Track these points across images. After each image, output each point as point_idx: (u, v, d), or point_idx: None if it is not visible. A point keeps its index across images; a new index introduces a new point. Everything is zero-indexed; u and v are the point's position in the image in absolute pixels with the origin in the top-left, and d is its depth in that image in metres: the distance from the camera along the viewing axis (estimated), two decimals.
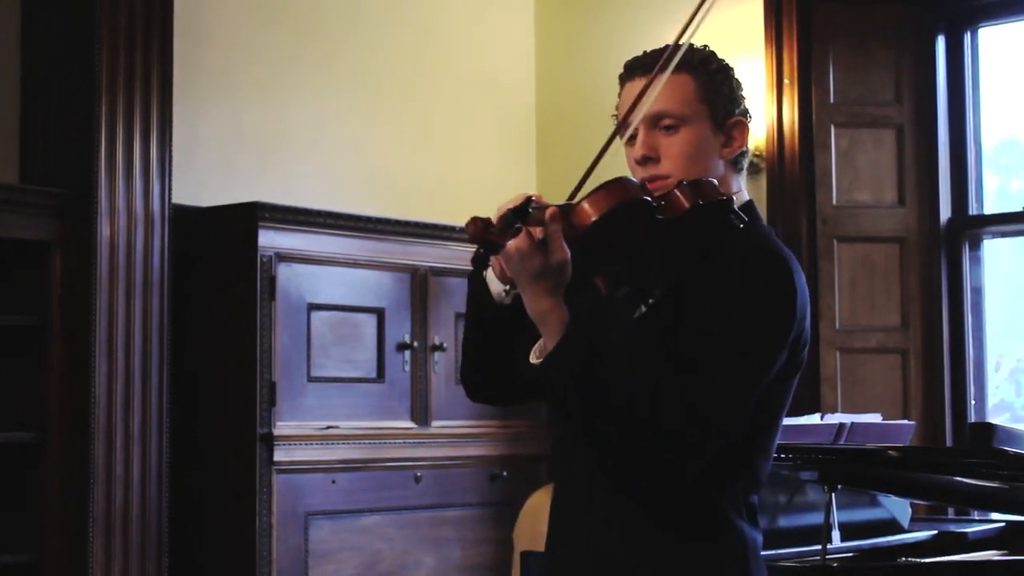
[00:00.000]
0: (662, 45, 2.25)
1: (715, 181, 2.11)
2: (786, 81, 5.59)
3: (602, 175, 2.04)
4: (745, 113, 2.24)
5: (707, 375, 1.96)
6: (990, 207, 5.67)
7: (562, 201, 1.98)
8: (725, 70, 2.24)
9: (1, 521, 4.45)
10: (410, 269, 5.15)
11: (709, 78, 2.20)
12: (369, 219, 5.04)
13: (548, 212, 1.92)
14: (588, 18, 6.25)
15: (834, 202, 5.58)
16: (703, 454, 1.98)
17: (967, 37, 5.69)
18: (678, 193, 2.04)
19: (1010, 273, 5.76)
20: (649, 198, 1.99)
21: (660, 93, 2.14)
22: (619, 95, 2.25)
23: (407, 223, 5.16)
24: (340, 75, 5.68)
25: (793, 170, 5.57)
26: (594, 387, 1.94)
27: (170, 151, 4.70)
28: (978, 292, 5.60)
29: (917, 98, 5.61)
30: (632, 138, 2.20)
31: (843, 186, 5.59)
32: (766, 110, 5.64)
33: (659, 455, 1.96)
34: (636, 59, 2.23)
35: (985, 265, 5.61)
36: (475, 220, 1.88)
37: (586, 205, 1.94)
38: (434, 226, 5.24)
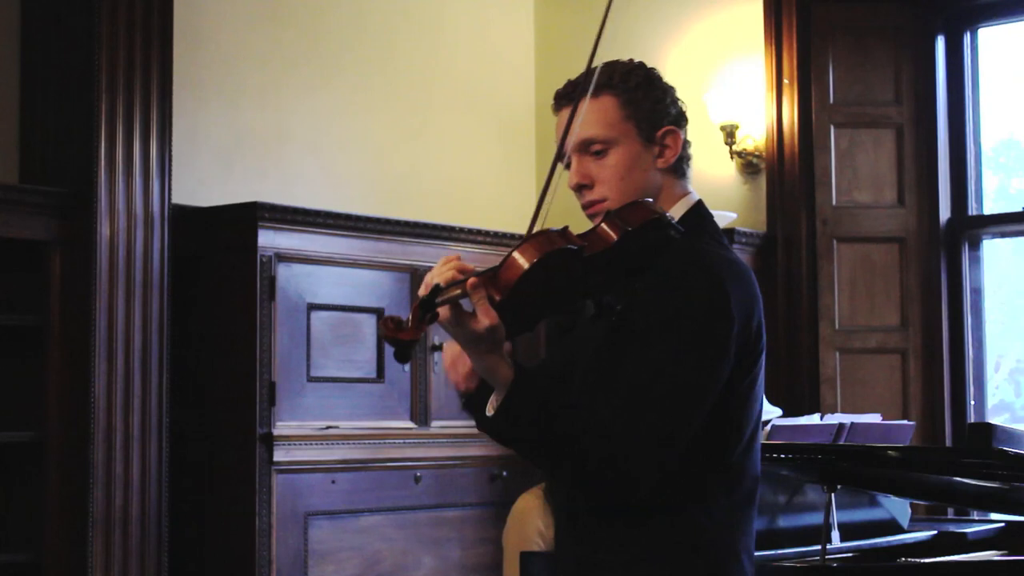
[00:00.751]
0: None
1: (647, 200, 2.11)
2: (786, 81, 5.60)
3: (561, 199, 2.11)
4: (678, 119, 2.24)
5: (643, 399, 2.00)
6: (989, 207, 5.67)
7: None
8: (648, 82, 2.23)
9: (1, 521, 4.45)
10: (409, 269, 5.15)
11: (630, 95, 2.20)
12: (368, 219, 5.04)
13: (469, 283, 1.95)
14: (588, 18, 6.25)
15: (834, 202, 5.58)
16: (651, 474, 2.01)
17: (967, 37, 5.69)
18: (605, 227, 2.06)
19: (1009, 273, 5.76)
20: (572, 245, 2.00)
21: (584, 119, 2.17)
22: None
23: (407, 223, 5.16)
24: (340, 75, 5.68)
25: (793, 170, 5.57)
26: (542, 431, 2.00)
27: (170, 151, 4.70)
28: (977, 292, 5.60)
29: (917, 98, 5.61)
30: (570, 166, 2.23)
31: (843, 186, 5.59)
32: (766, 110, 5.65)
33: (610, 480, 2.00)
34: (560, 89, 2.26)
35: (984, 265, 5.61)
36: (385, 322, 1.91)
37: (509, 265, 1.98)
38: (434, 226, 5.24)
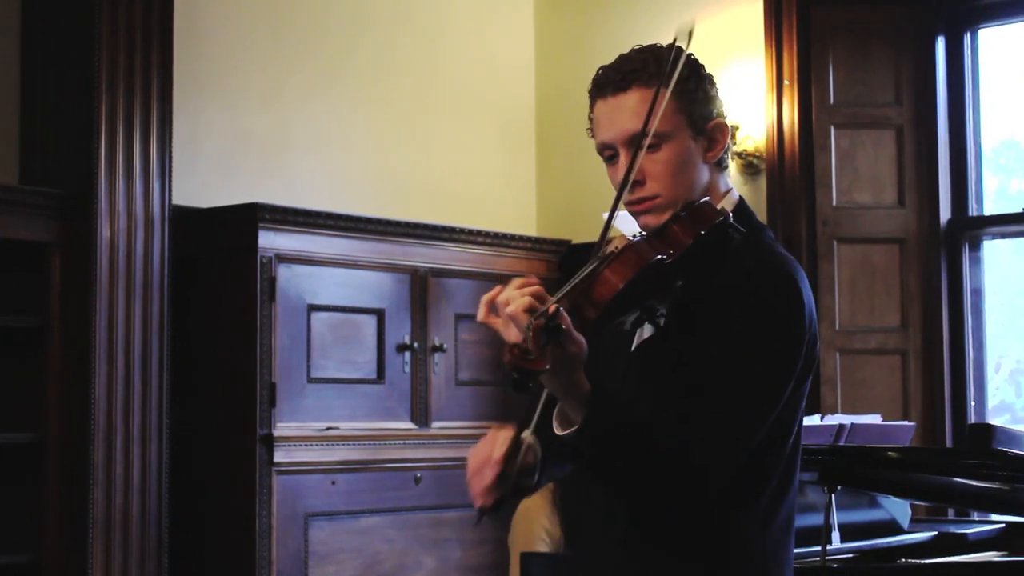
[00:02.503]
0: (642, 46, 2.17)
1: (707, 200, 2.06)
2: (786, 82, 5.59)
3: (606, 193, 2.04)
4: (722, 110, 2.15)
5: (725, 401, 1.94)
6: (990, 208, 5.67)
7: (575, 279, 1.94)
8: (696, 71, 2.12)
9: (1, 521, 4.45)
10: (410, 270, 5.15)
11: (682, 86, 2.08)
12: (369, 220, 5.05)
13: (551, 310, 1.86)
14: (588, 18, 6.25)
15: (834, 203, 5.58)
16: (724, 477, 1.96)
17: (967, 38, 5.69)
18: (678, 229, 2.00)
19: (1010, 274, 5.75)
20: (660, 255, 1.96)
21: (635, 112, 2.06)
22: (591, 111, 2.16)
23: (407, 224, 5.16)
24: (340, 76, 5.68)
25: (793, 171, 5.57)
26: (625, 446, 1.93)
27: (170, 152, 4.70)
28: (978, 293, 5.59)
29: (917, 99, 5.61)
30: (612, 158, 2.13)
31: (843, 187, 5.59)
32: (766, 111, 5.64)
33: (683, 475, 1.94)
34: (604, 75, 2.13)
35: (985, 266, 5.61)
36: (511, 349, 1.81)
37: (603, 280, 1.92)
38: (434, 227, 5.24)
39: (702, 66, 2.15)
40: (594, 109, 2.15)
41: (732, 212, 2.10)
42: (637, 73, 2.09)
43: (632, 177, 2.06)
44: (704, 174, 2.13)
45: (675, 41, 2.05)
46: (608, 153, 2.13)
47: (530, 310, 1.86)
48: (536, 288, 1.90)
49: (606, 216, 2.07)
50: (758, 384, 1.97)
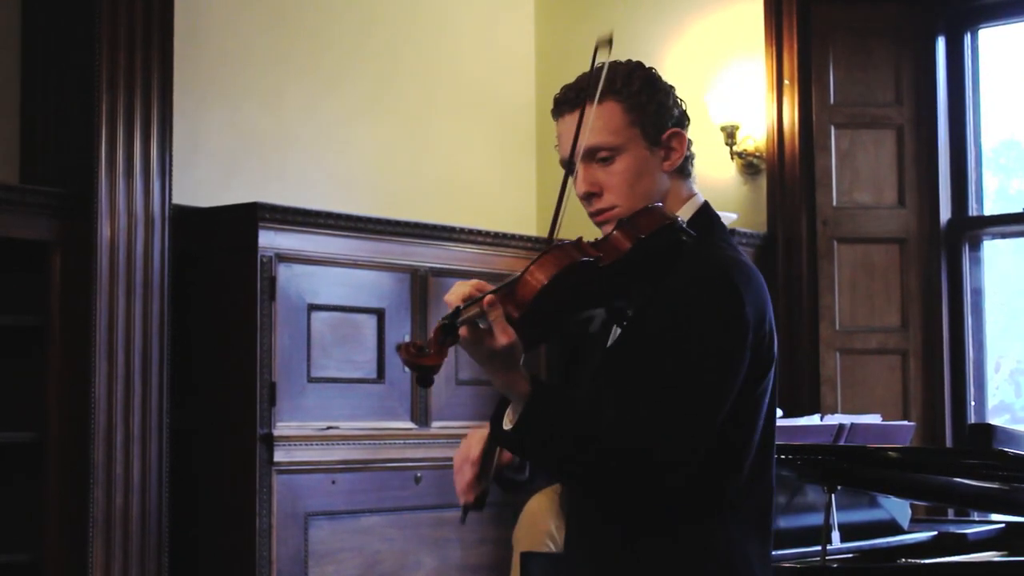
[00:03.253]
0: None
1: (657, 206, 2.11)
2: (786, 82, 5.60)
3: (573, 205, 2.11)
4: (681, 119, 2.22)
5: (667, 401, 1.99)
6: (990, 208, 5.67)
7: (508, 279, 2.02)
8: (650, 84, 2.20)
9: (1, 521, 4.45)
10: (410, 270, 5.15)
11: (635, 100, 2.17)
12: (369, 220, 5.04)
13: (485, 301, 1.94)
14: (588, 19, 6.25)
15: (834, 203, 5.58)
16: (678, 476, 2.00)
17: (967, 38, 5.69)
18: (618, 235, 2.05)
19: (1010, 274, 5.76)
20: (587, 257, 2.01)
21: (588, 126, 2.13)
22: (556, 130, 2.23)
23: (407, 224, 5.16)
24: (340, 76, 5.68)
25: (793, 171, 5.57)
26: (563, 442, 1.99)
27: (170, 151, 4.70)
28: (978, 293, 5.60)
29: (917, 99, 5.61)
30: (574, 173, 2.19)
31: (843, 187, 5.59)
32: (766, 111, 5.65)
33: (634, 477, 1.99)
34: (561, 94, 2.22)
35: (985, 266, 5.61)
36: (406, 347, 1.90)
37: (525, 281, 1.98)
38: (434, 227, 5.24)
39: (659, 79, 2.22)
40: (556, 127, 2.24)
41: (693, 217, 2.18)
42: (587, 90, 2.16)
43: (584, 189, 2.17)
44: (663, 182, 2.20)
45: (596, 51, 2.13)
46: (569, 169, 2.19)
47: (468, 301, 1.96)
48: (475, 283, 1.99)
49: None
50: (698, 388, 2.00)
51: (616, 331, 2.14)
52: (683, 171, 2.22)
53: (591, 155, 2.17)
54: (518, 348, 1.97)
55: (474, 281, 2.00)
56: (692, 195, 2.23)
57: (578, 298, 2.05)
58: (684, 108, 2.24)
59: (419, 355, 1.89)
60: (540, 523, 4.04)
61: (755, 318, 2.07)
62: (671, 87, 2.23)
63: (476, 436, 2.17)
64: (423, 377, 1.91)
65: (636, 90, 2.17)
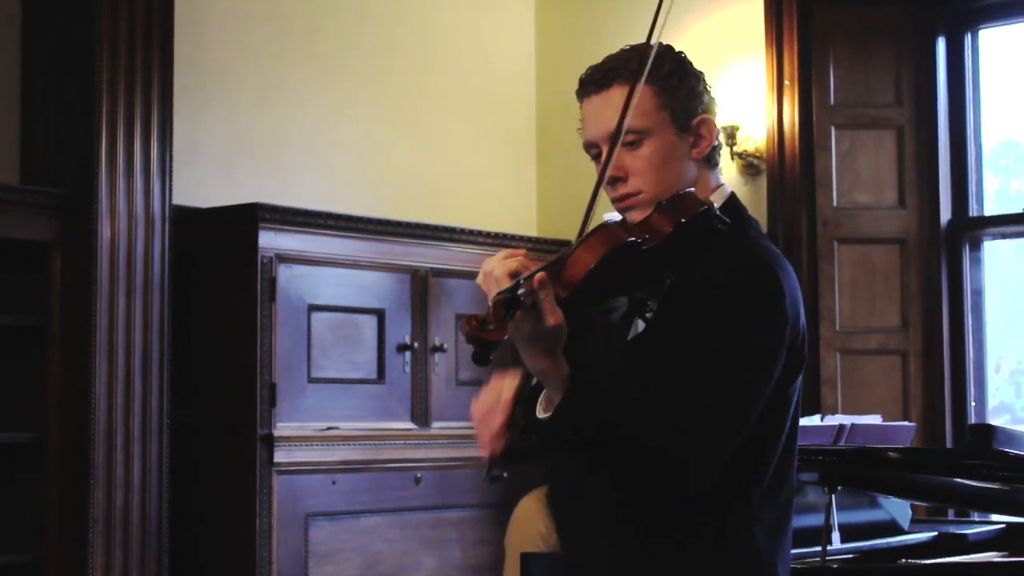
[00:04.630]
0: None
1: (692, 191, 2.06)
2: (786, 82, 5.59)
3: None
4: (710, 106, 2.16)
5: (706, 393, 1.93)
6: (990, 208, 5.67)
7: (553, 256, 1.95)
8: (681, 67, 2.14)
9: (1, 521, 4.45)
10: (410, 270, 5.15)
11: (665, 83, 2.10)
12: (369, 220, 5.05)
13: (536, 279, 1.86)
14: (588, 18, 6.25)
15: (834, 203, 5.58)
16: (709, 472, 1.95)
17: (967, 38, 5.69)
18: (659, 217, 2.00)
19: (1010, 275, 5.75)
20: (633, 238, 1.96)
21: (618, 109, 2.06)
22: (581, 112, 2.16)
23: (407, 224, 5.16)
24: (340, 76, 5.68)
25: (793, 171, 5.57)
26: (603, 430, 1.92)
27: (170, 152, 4.70)
28: (978, 293, 5.59)
29: (917, 99, 5.61)
30: (598, 156, 2.13)
31: (843, 187, 5.59)
32: (766, 111, 5.64)
33: (666, 477, 1.93)
34: (588, 74, 2.14)
35: (985, 266, 5.61)
36: (468, 320, 1.82)
37: (574, 260, 1.92)
38: (435, 227, 5.24)
39: (689, 63, 2.16)
40: (581, 109, 2.16)
41: (722, 206, 2.11)
42: (618, 71, 2.10)
43: (608, 173, 2.07)
44: (691, 170, 2.13)
45: (656, 17, 2.06)
46: (594, 151, 2.14)
47: (510, 277, 1.88)
48: (516, 261, 1.92)
49: (605, 216, 2.08)
50: (736, 377, 1.95)
51: (637, 321, 2.06)
52: (711, 160, 2.15)
53: (617, 138, 2.07)
54: (564, 330, 1.89)
55: (517, 254, 1.93)
56: (719, 185, 2.17)
57: (618, 280, 1.98)
58: (712, 95, 2.18)
59: (481, 329, 1.81)
60: (531, 524, 4.05)
61: (792, 313, 2.03)
62: (701, 73, 2.18)
63: (508, 380, 2.06)
64: (482, 353, 1.82)
65: (667, 72, 2.11)
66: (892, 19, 5.64)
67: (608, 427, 1.92)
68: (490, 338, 1.82)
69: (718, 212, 2.04)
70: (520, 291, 1.84)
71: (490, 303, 1.85)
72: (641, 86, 2.05)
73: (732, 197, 2.17)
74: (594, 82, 2.12)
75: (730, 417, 1.95)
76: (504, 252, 1.95)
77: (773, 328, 1.99)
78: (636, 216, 2.06)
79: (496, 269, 1.91)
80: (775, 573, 2.07)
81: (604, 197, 2.10)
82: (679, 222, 1.98)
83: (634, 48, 2.13)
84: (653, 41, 2.07)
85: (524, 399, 2.03)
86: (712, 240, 2.01)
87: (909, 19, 5.64)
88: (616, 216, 2.13)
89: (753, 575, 2.04)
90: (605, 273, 1.92)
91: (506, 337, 1.83)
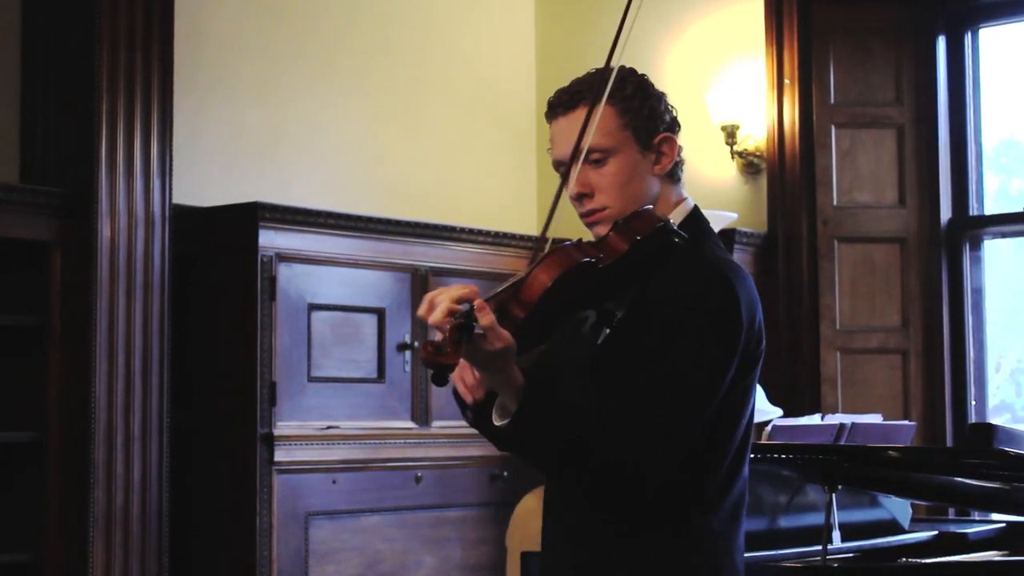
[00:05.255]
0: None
1: (649, 208, 2.15)
2: (786, 81, 5.59)
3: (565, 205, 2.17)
4: (672, 125, 2.26)
5: (660, 400, 2.03)
6: (990, 207, 5.67)
7: (509, 280, 2.04)
8: (643, 89, 2.24)
9: (1, 521, 4.45)
10: (410, 269, 5.15)
11: (628, 103, 2.21)
12: (370, 219, 5.04)
13: (476, 306, 1.97)
14: (588, 18, 6.25)
15: (835, 202, 5.58)
16: (662, 474, 2.04)
17: (968, 37, 5.69)
18: (615, 236, 2.10)
19: (1010, 273, 5.76)
20: (588, 258, 2.05)
21: (582, 127, 2.17)
22: (550, 132, 2.27)
23: (408, 223, 5.16)
24: (341, 75, 5.68)
25: (793, 170, 5.57)
26: (555, 438, 2.02)
27: (170, 151, 4.69)
28: (978, 292, 5.60)
29: (918, 98, 5.61)
30: (567, 175, 2.22)
31: (844, 186, 5.59)
32: (766, 110, 5.64)
33: (619, 481, 2.03)
34: (555, 97, 2.25)
35: (985, 265, 5.61)
36: (424, 345, 1.94)
37: (531, 281, 2.01)
38: (435, 226, 5.24)
39: (651, 85, 2.27)
40: (550, 130, 2.27)
41: (684, 220, 2.22)
42: (583, 93, 2.21)
43: (575, 190, 2.20)
44: (653, 186, 2.23)
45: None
46: (562, 170, 2.23)
47: (454, 310, 1.97)
48: (465, 291, 2.00)
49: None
50: (689, 388, 2.04)
51: (605, 331, 2.16)
52: (673, 175, 2.26)
53: (584, 156, 2.19)
54: (513, 349, 2.00)
55: (456, 291, 2.02)
56: (682, 199, 2.27)
57: (577, 298, 2.08)
58: (675, 115, 2.28)
59: (437, 354, 1.92)
60: (532, 523, 4.04)
61: (747, 318, 2.11)
62: (663, 93, 2.28)
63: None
64: (439, 375, 1.94)
65: (629, 94, 2.21)
66: (892, 18, 5.64)
67: (561, 435, 2.01)
68: (446, 362, 1.93)
69: (675, 227, 2.14)
70: (473, 321, 1.95)
71: (434, 331, 1.97)
72: (603, 107, 2.17)
73: (694, 211, 2.26)
74: (561, 104, 2.23)
75: (683, 422, 2.04)
76: (442, 289, 2.05)
77: (726, 334, 2.08)
78: (601, 231, 2.16)
79: (441, 298, 2.00)
80: (732, 561, 2.16)
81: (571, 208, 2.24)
82: (635, 240, 2.08)
83: (599, 71, 2.24)
84: (615, 63, 2.21)
85: (479, 406, 2.14)
86: (670, 254, 2.11)
87: (909, 18, 5.64)
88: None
89: (711, 561, 2.12)
90: (562, 292, 2.01)
91: (459, 359, 1.94)
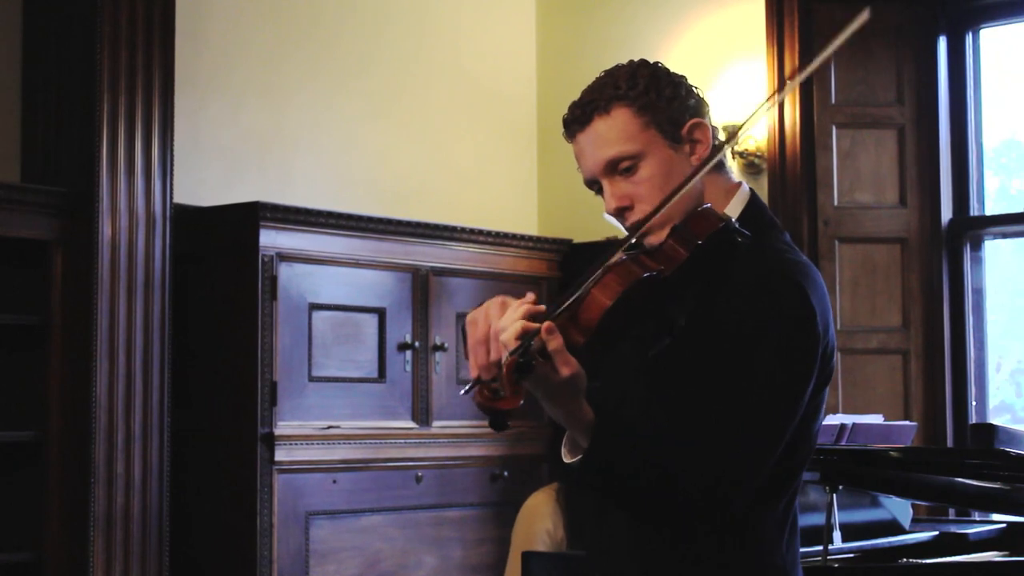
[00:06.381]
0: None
1: (708, 207, 1.98)
2: (788, 81, 5.59)
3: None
4: (699, 108, 2.08)
5: (739, 425, 1.90)
6: (991, 208, 5.67)
7: (564, 300, 1.87)
8: (655, 79, 2.06)
9: (1, 520, 4.45)
10: (411, 269, 5.15)
11: (643, 100, 2.04)
12: (370, 219, 5.04)
13: (545, 329, 1.79)
14: (590, 17, 6.25)
15: (835, 203, 5.58)
16: (747, 495, 1.94)
17: (968, 38, 5.68)
18: (673, 243, 1.94)
19: (1011, 274, 5.75)
20: (649, 272, 1.89)
21: (602, 138, 2.03)
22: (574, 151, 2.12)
23: (408, 223, 5.16)
24: (342, 75, 5.68)
25: (794, 171, 5.57)
26: (634, 475, 1.89)
27: (171, 150, 4.70)
28: (979, 293, 5.59)
29: (918, 98, 5.61)
30: (600, 191, 2.07)
31: (844, 187, 5.59)
32: (768, 110, 5.64)
33: (706, 505, 1.91)
34: (569, 114, 2.10)
35: (986, 266, 5.61)
36: (480, 391, 1.76)
37: (589, 303, 1.85)
38: (435, 226, 5.24)
39: (664, 72, 2.10)
40: (574, 149, 2.11)
41: (742, 211, 2.06)
42: (595, 103, 2.06)
43: (614, 204, 2.03)
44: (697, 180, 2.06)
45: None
46: (595, 188, 2.09)
47: (529, 329, 1.80)
48: (527, 308, 1.84)
49: (614, 224, 2.04)
50: (769, 405, 1.91)
51: (665, 340, 2.01)
52: (717, 162, 2.08)
53: (612, 168, 2.03)
54: (582, 378, 1.84)
55: (522, 307, 1.84)
56: (735, 186, 2.10)
57: (638, 314, 1.91)
58: (700, 95, 2.11)
59: (494, 399, 1.76)
60: (538, 521, 4.04)
61: (823, 328, 1.97)
62: (681, 77, 2.11)
63: (507, 314, 1.91)
64: (498, 421, 1.76)
65: (642, 90, 2.04)
66: (893, 18, 5.64)
67: (639, 471, 1.88)
68: (504, 407, 1.76)
69: (736, 225, 1.97)
70: (531, 351, 1.77)
71: (472, 348, 1.80)
72: (618, 111, 2.03)
73: (752, 200, 2.10)
74: (576, 120, 2.08)
75: (764, 448, 1.92)
76: (498, 305, 1.86)
77: (804, 352, 1.95)
78: (654, 240, 2.00)
79: (505, 337, 1.81)
80: (796, 570, 2.07)
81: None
82: (696, 245, 1.92)
83: (608, 74, 2.09)
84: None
85: (550, 441, 2.00)
86: (734, 254, 1.95)
87: (910, 18, 5.63)
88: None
89: (783, 573, 2.03)
90: (622, 311, 1.86)
91: (521, 402, 1.76)
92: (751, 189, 2.13)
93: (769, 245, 2.02)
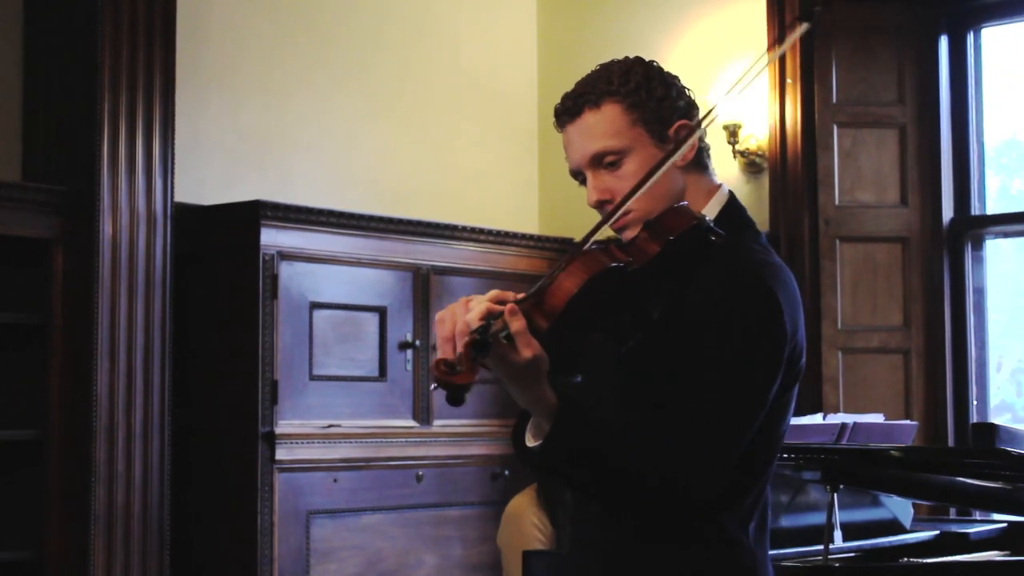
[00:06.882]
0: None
1: (683, 204, 2.02)
2: (788, 81, 5.59)
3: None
4: (688, 110, 2.12)
5: (705, 419, 1.93)
6: (992, 207, 5.67)
7: (532, 288, 1.91)
8: (648, 79, 2.10)
9: (2, 519, 4.45)
10: (412, 268, 5.15)
11: (634, 98, 2.07)
12: (371, 218, 5.04)
13: (507, 310, 1.84)
14: (590, 17, 6.25)
15: (836, 202, 5.57)
16: (711, 491, 1.96)
17: (970, 37, 5.68)
18: (645, 237, 1.97)
19: (1012, 273, 5.75)
20: (617, 262, 1.92)
21: (591, 131, 2.07)
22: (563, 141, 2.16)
23: (409, 222, 5.16)
24: (343, 74, 5.68)
25: (795, 170, 5.57)
26: (594, 460, 1.92)
27: (172, 149, 4.69)
28: (980, 292, 5.59)
29: (920, 98, 5.61)
30: (584, 182, 2.12)
31: (845, 186, 5.58)
32: (768, 110, 5.64)
33: (668, 499, 1.94)
34: (560, 105, 2.13)
35: (987, 265, 5.61)
36: (437, 364, 1.79)
37: (555, 289, 1.88)
38: (436, 225, 5.24)
39: (657, 71, 2.13)
40: (562, 139, 2.16)
41: (719, 212, 2.09)
42: (586, 96, 2.09)
43: (595, 196, 2.08)
44: (678, 179, 2.10)
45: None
46: (580, 178, 2.14)
47: (493, 311, 1.85)
48: (486, 304, 1.88)
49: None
50: (733, 402, 1.94)
51: (638, 334, 2.03)
52: (699, 163, 2.12)
53: (598, 161, 2.08)
54: (544, 361, 1.88)
55: (491, 293, 1.91)
56: (714, 187, 2.14)
57: (608, 306, 1.95)
58: (691, 98, 2.14)
59: (451, 373, 1.79)
60: (525, 521, 4.05)
61: (791, 328, 2.01)
62: (674, 78, 2.14)
63: (471, 309, 1.95)
64: (454, 396, 1.80)
65: (634, 87, 2.08)
66: (894, 18, 5.64)
67: (600, 456, 1.91)
68: (459, 381, 1.79)
69: (711, 224, 2.00)
70: (491, 331, 1.81)
71: (440, 346, 1.85)
72: (608, 106, 2.07)
73: (730, 201, 2.13)
74: (566, 111, 2.11)
75: (729, 442, 1.94)
76: (474, 297, 1.91)
77: (770, 350, 1.98)
78: (631, 234, 2.04)
79: (470, 316, 1.86)
80: (765, 569, 2.09)
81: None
82: (667, 240, 1.95)
83: (603, 68, 2.12)
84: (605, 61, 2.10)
85: (513, 428, 2.03)
86: (707, 252, 1.99)
87: (911, 18, 5.63)
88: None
89: (750, 572, 2.05)
90: (589, 299, 1.88)
91: (476, 378, 1.79)
92: (731, 191, 2.16)
93: (743, 245, 2.06)
